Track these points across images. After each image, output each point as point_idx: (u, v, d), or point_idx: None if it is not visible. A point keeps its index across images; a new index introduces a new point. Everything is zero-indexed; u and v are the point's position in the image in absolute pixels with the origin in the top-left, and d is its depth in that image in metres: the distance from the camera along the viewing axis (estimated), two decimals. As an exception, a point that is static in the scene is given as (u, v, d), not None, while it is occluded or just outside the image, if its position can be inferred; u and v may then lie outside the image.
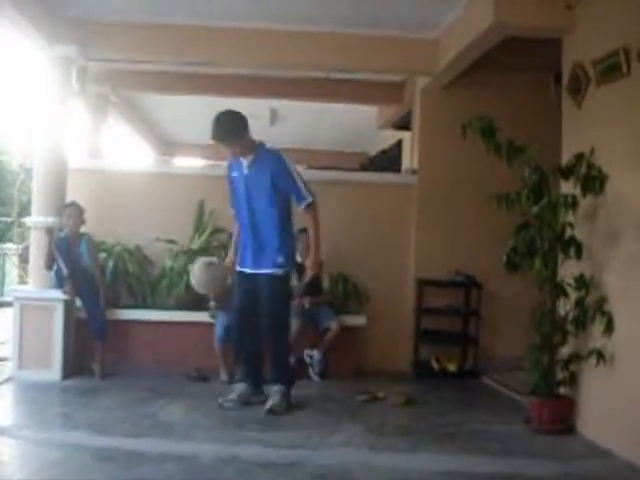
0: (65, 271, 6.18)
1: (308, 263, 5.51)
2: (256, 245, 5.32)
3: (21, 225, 10.17)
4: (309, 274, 5.51)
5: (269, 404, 5.23)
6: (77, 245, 6.33)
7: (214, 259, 5.86)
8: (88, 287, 6.30)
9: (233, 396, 5.35)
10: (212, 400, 5.41)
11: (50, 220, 6.30)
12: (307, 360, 6.66)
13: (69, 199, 6.50)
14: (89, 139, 8.82)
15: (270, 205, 5.25)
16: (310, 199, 5.27)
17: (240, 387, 5.44)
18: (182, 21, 6.61)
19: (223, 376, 6.34)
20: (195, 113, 10.72)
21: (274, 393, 5.33)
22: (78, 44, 6.53)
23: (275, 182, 5.22)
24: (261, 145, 5.35)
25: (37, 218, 6.40)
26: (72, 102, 6.83)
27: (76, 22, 6.54)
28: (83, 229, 6.43)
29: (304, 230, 6.05)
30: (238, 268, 5.51)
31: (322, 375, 6.61)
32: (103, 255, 6.83)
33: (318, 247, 5.38)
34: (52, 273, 6.26)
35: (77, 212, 6.37)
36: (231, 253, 5.71)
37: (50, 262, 6.24)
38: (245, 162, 5.30)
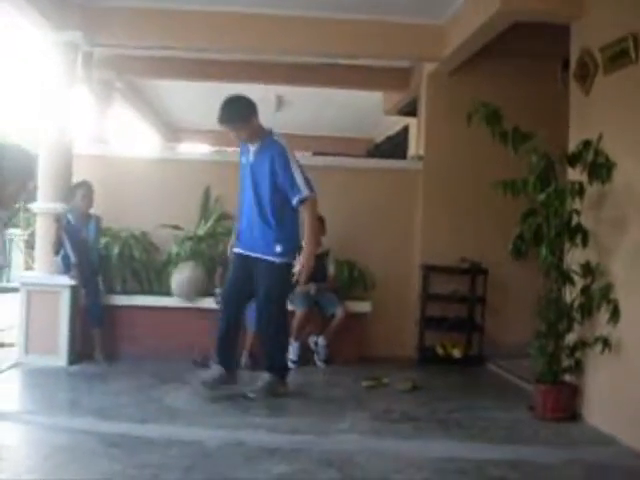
0: (73, 259, 6.20)
1: (300, 259, 5.24)
2: (256, 230, 5.24)
3: (27, 211, 10.17)
4: (298, 271, 5.20)
5: (250, 389, 5.25)
6: (85, 225, 6.35)
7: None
8: (90, 271, 6.32)
9: (207, 377, 5.30)
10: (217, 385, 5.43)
11: (56, 206, 6.30)
12: (312, 347, 6.68)
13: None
14: (94, 125, 8.81)
15: (271, 193, 5.17)
16: (305, 194, 5.11)
17: (216, 369, 5.36)
18: (187, 7, 6.59)
19: (229, 362, 6.35)
20: (201, 99, 10.71)
21: (260, 380, 5.32)
22: (83, 30, 6.52)
23: (273, 172, 5.15)
24: (269, 133, 5.28)
25: (43, 204, 6.41)
26: (77, 88, 6.82)
27: (81, 7, 6.53)
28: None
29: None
30: (235, 250, 5.44)
31: (327, 361, 6.63)
32: (107, 239, 6.83)
33: (310, 245, 5.21)
34: (59, 258, 6.27)
35: (90, 192, 6.42)
36: (233, 237, 5.65)
37: (57, 247, 6.26)
38: (252, 149, 5.25)
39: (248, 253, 5.30)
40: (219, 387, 5.28)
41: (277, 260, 5.19)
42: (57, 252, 6.27)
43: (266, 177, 5.17)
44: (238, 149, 5.52)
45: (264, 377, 5.32)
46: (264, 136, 5.25)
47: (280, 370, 5.40)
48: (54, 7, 6.21)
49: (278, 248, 5.18)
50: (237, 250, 5.41)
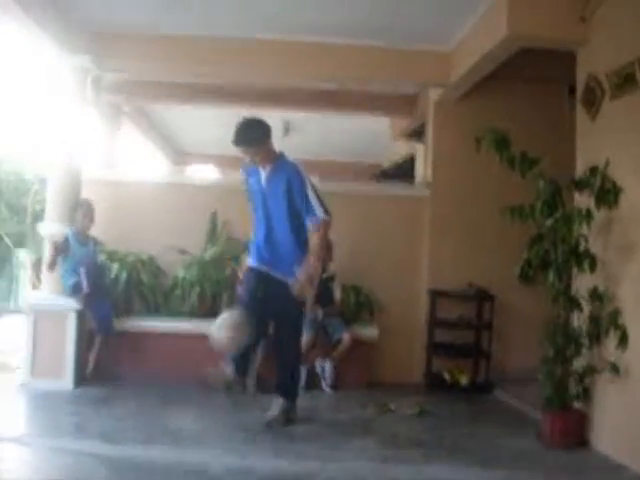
0: (86, 289, 6.21)
1: (299, 275, 5.04)
2: (273, 251, 5.17)
3: (35, 234, 10.22)
4: (295, 287, 5.02)
5: (269, 416, 5.16)
6: (84, 245, 6.39)
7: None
8: (96, 289, 6.33)
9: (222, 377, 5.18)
10: (223, 409, 5.41)
11: (64, 229, 6.32)
12: (319, 372, 6.65)
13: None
14: (103, 149, 8.86)
15: (286, 217, 5.12)
16: (320, 216, 5.04)
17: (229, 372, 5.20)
18: (195, 32, 6.64)
19: (234, 386, 6.34)
20: (208, 123, 10.77)
21: (275, 406, 5.23)
22: (93, 54, 6.59)
23: (289, 194, 5.10)
24: (281, 156, 5.26)
25: (51, 227, 6.42)
26: (86, 112, 6.87)
27: (91, 33, 6.60)
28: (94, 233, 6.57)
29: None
30: (251, 264, 5.30)
31: (334, 387, 6.59)
32: (115, 264, 6.87)
33: (315, 261, 5.05)
34: (67, 283, 6.26)
35: (91, 210, 6.46)
36: (244, 263, 5.62)
37: (53, 264, 6.25)
38: (264, 173, 5.19)
39: (267, 271, 5.18)
40: (228, 388, 5.18)
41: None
42: (52, 268, 6.25)
43: (281, 199, 5.11)
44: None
45: (279, 402, 5.24)
46: (276, 159, 5.22)
47: (294, 397, 5.34)
48: (65, 31, 6.27)
49: (291, 273, 5.07)
50: (254, 265, 5.27)
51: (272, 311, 5.21)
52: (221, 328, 4.85)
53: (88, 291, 6.22)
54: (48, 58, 6.59)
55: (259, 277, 5.23)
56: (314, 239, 5.10)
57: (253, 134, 5.13)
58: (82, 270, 6.23)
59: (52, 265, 6.24)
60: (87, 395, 5.96)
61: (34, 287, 10.81)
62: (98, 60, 6.67)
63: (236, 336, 4.83)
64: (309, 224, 5.11)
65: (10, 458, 4.24)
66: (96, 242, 6.56)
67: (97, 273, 6.41)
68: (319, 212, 5.06)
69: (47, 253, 6.40)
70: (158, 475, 3.95)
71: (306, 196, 5.09)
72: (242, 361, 5.26)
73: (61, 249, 6.24)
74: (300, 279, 5.01)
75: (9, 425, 5.03)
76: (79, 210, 6.41)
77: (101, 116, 8.47)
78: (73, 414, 5.37)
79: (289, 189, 5.10)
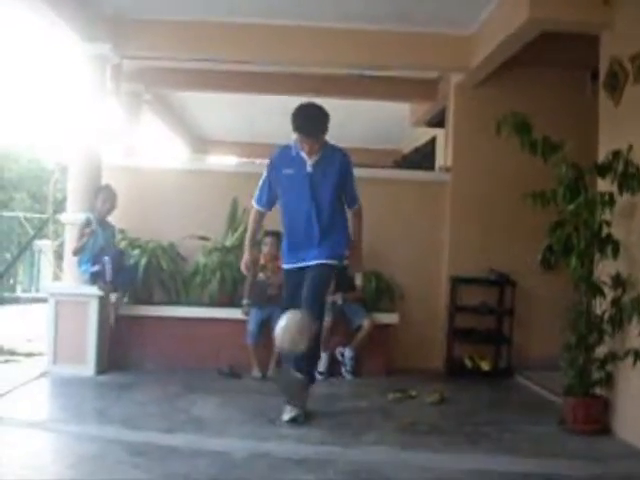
0: (109, 277, 6.25)
1: (353, 261, 5.40)
2: (313, 241, 5.03)
3: (56, 222, 10.30)
4: (353, 271, 5.43)
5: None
6: (103, 230, 6.44)
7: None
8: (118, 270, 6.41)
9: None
10: (244, 396, 5.43)
11: (85, 217, 6.35)
12: (339, 358, 6.65)
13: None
14: (123, 137, 8.88)
15: (332, 199, 5.06)
16: (360, 204, 5.26)
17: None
18: (216, 18, 6.64)
19: (255, 372, 6.36)
20: (229, 110, 10.76)
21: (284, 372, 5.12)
22: (112, 42, 6.59)
23: (341, 179, 5.07)
24: (327, 142, 5.13)
25: (72, 215, 6.46)
26: (106, 100, 6.88)
27: (110, 20, 6.60)
28: (114, 221, 6.64)
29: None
30: (289, 266, 5.18)
31: (354, 373, 6.60)
32: (137, 252, 6.89)
33: (360, 242, 5.36)
34: (87, 273, 6.30)
35: (112, 196, 6.49)
36: (247, 252, 5.34)
37: (81, 249, 6.30)
38: (309, 160, 5.02)
39: (300, 265, 5.07)
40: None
41: (328, 261, 5.01)
42: (77, 253, 6.32)
43: (330, 184, 5.05)
44: (264, 160, 5.46)
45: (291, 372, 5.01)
46: (323, 145, 5.09)
47: (307, 375, 5.07)
48: (84, 20, 6.29)
49: (328, 251, 5.03)
50: (289, 266, 5.17)
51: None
52: (286, 329, 4.66)
53: (110, 279, 6.26)
54: (67, 46, 6.61)
55: (295, 276, 5.11)
56: (359, 224, 5.34)
57: (323, 125, 5.00)
58: (106, 259, 6.25)
59: (80, 250, 6.27)
60: (109, 381, 6.01)
61: (55, 275, 10.90)
62: (118, 48, 6.68)
63: (301, 338, 4.66)
64: (351, 210, 5.27)
65: (33, 444, 4.27)
66: (114, 230, 6.62)
67: (118, 260, 6.42)
68: (359, 199, 5.26)
69: (72, 239, 6.42)
70: (180, 460, 3.96)
71: (352, 183, 5.20)
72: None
73: (89, 233, 6.27)
74: (357, 262, 5.44)
75: (33, 411, 5.08)
76: (100, 195, 6.45)
77: (121, 104, 8.49)
78: (95, 400, 5.43)
79: (341, 174, 5.09)
